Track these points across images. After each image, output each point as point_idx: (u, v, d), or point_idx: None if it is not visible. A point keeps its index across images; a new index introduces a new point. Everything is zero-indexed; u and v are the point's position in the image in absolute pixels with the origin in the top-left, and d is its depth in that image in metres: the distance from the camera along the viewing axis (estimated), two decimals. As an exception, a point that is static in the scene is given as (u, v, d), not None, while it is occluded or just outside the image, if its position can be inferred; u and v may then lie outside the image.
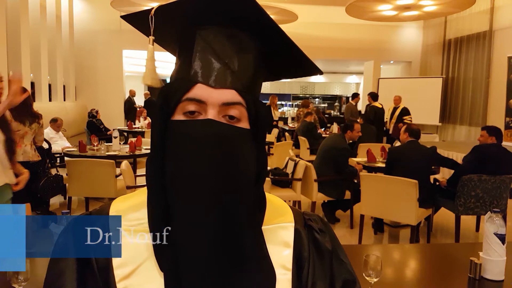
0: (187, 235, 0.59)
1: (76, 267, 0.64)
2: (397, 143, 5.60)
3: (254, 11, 0.60)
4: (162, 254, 0.61)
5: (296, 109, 17.91)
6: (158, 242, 0.61)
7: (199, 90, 0.60)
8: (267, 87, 19.32)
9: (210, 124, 0.59)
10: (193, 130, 0.60)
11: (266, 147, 8.28)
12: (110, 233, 0.65)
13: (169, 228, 0.60)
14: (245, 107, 0.62)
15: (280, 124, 13.20)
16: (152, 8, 0.63)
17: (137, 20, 0.66)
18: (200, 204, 0.58)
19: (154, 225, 0.62)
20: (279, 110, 17.39)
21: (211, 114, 0.60)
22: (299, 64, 0.69)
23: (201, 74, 0.60)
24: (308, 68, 0.70)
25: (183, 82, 0.61)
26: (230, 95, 0.60)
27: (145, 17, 0.64)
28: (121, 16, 0.69)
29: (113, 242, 0.64)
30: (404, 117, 8.24)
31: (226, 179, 0.59)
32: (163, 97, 0.63)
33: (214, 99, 0.60)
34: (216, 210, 0.59)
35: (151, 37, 0.65)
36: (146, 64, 0.67)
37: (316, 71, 0.70)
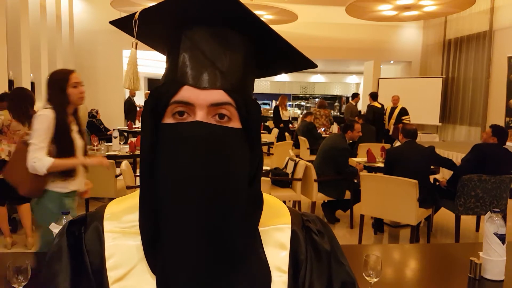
0: (178, 236, 0.59)
1: (70, 269, 0.64)
2: (397, 143, 5.60)
3: (239, 9, 0.59)
4: (153, 257, 0.61)
5: (295, 109, 17.93)
6: (149, 244, 0.61)
7: (187, 92, 0.59)
8: (267, 87, 19.31)
9: (198, 125, 0.59)
10: (181, 132, 0.59)
11: (266, 147, 8.28)
12: (105, 235, 0.65)
13: (160, 230, 0.60)
14: (235, 107, 0.61)
15: (281, 124, 13.21)
16: (136, 11, 0.62)
17: (125, 24, 0.66)
18: (190, 205, 0.58)
19: (145, 227, 0.62)
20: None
21: (200, 115, 0.59)
22: (291, 58, 0.68)
23: (188, 75, 0.60)
24: (300, 61, 0.69)
25: (170, 85, 0.61)
26: (218, 95, 0.60)
27: (132, 21, 0.63)
28: (110, 22, 0.68)
29: (107, 244, 0.64)
30: (403, 117, 8.22)
31: (216, 179, 0.58)
32: (153, 100, 0.62)
33: (201, 101, 0.59)
34: (207, 211, 0.58)
35: (135, 41, 0.64)
36: (127, 68, 0.66)
37: (310, 64, 0.69)
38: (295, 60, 0.69)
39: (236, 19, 0.61)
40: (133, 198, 0.68)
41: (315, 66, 0.70)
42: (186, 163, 0.58)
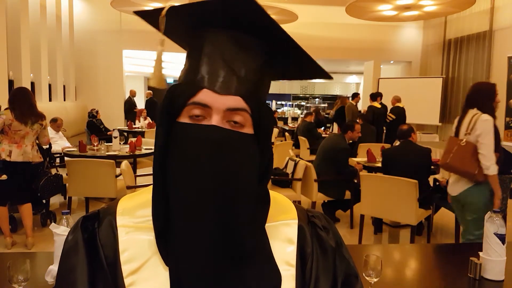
0: (188, 234, 0.60)
1: (87, 263, 0.65)
2: (397, 143, 5.59)
3: (261, 17, 0.61)
4: (165, 251, 0.63)
5: (295, 109, 17.92)
6: (161, 238, 0.63)
7: (205, 95, 0.61)
8: (267, 87, 19.30)
9: (214, 129, 0.61)
10: (196, 134, 0.61)
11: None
12: (118, 230, 0.66)
13: (172, 225, 0.62)
14: (250, 113, 0.63)
15: (280, 124, 13.22)
16: (164, 8, 0.63)
17: (150, 17, 0.67)
18: (200, 206, 0.60)
19: (157, 223, 0.64)
20: (279, 110, 17.43)
21: (215, 119, 0.61)
22: (306, 68, 0.70)
23: (207, 79, 0.61)
24: (315, 72, 0.71)
25: (189, 86, 0.62)
26: (235, 101, 0.61)
27: (157, 15, 0.64)
28: (134, 12, 0.70)
29: (121, 239, 0.66)
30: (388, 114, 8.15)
31: (228, 182, 0.60)
32: (169, 99, 0.64)
33: (219, 104, 0.61)
34: (216, 212, 0.60)
35: (161, 38, 0.66)
36: (154, 65, 0.68)
37: (324, 75, 0.70)
38: (310, 70, 0.71)
39: (258, 26, 0.62)
40: (145, 193, 0.70)
41: (330, 77, 0.71)
42: (198, 164, 0.60)
